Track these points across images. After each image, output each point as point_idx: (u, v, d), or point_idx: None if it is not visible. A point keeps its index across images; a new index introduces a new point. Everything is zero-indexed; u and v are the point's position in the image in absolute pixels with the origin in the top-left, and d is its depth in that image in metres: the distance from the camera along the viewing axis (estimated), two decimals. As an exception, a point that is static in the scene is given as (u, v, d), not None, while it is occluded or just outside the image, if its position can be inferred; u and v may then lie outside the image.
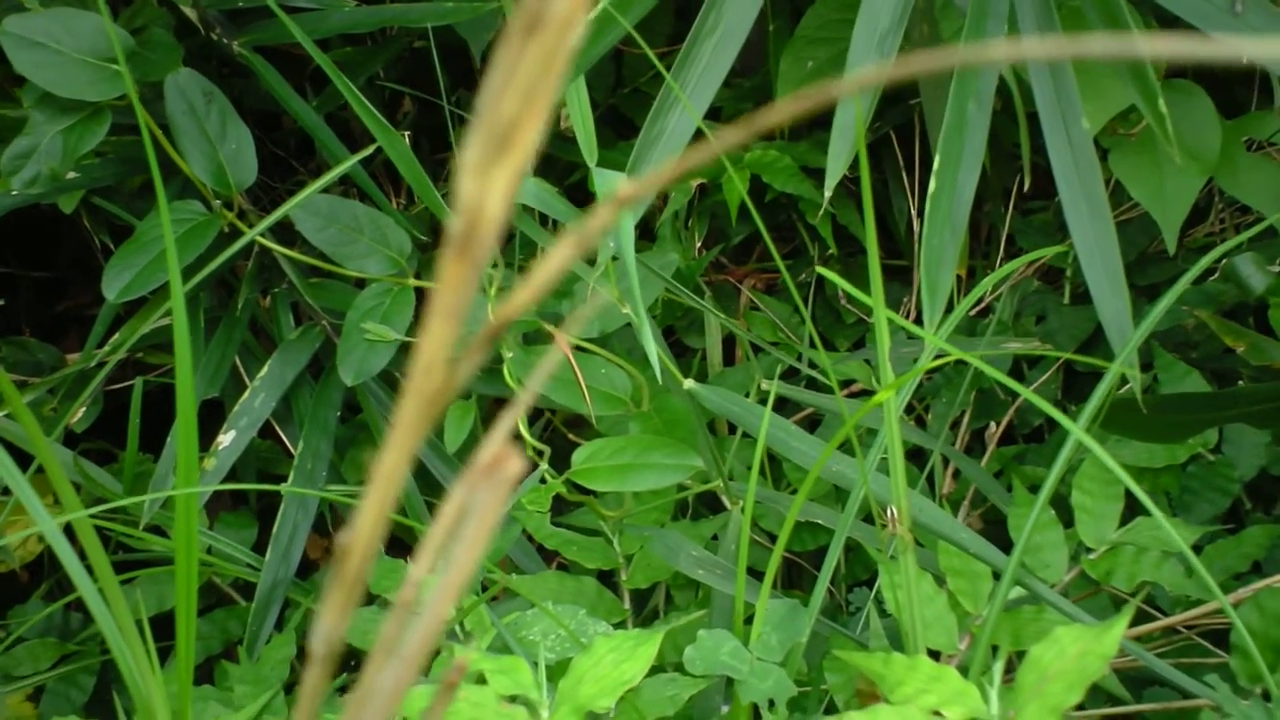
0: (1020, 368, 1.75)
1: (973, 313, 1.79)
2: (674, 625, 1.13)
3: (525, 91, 0.22)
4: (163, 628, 1.21)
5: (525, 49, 0.22)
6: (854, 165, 1.65)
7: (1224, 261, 1.64)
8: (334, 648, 0.28)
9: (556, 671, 0.95)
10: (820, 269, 1.02)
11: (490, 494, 0.25)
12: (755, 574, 1.39)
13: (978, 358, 0.94)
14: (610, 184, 1.03)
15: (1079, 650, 0.85)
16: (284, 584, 1.46)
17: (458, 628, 1.17)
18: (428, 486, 1.54)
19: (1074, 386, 1.74)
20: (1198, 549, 1.41)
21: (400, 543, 1.63)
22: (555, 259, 0.25)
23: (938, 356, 1.05)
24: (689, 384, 1.22)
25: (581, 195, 1.66)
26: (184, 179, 1.42)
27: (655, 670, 1.08)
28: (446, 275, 0.24)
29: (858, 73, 1.13)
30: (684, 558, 1.22)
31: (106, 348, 1.50)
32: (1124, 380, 1.18)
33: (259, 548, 1.51)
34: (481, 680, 0.93)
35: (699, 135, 1.15)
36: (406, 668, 0.27)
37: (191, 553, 0.87)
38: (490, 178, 0.23)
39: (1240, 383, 1.58)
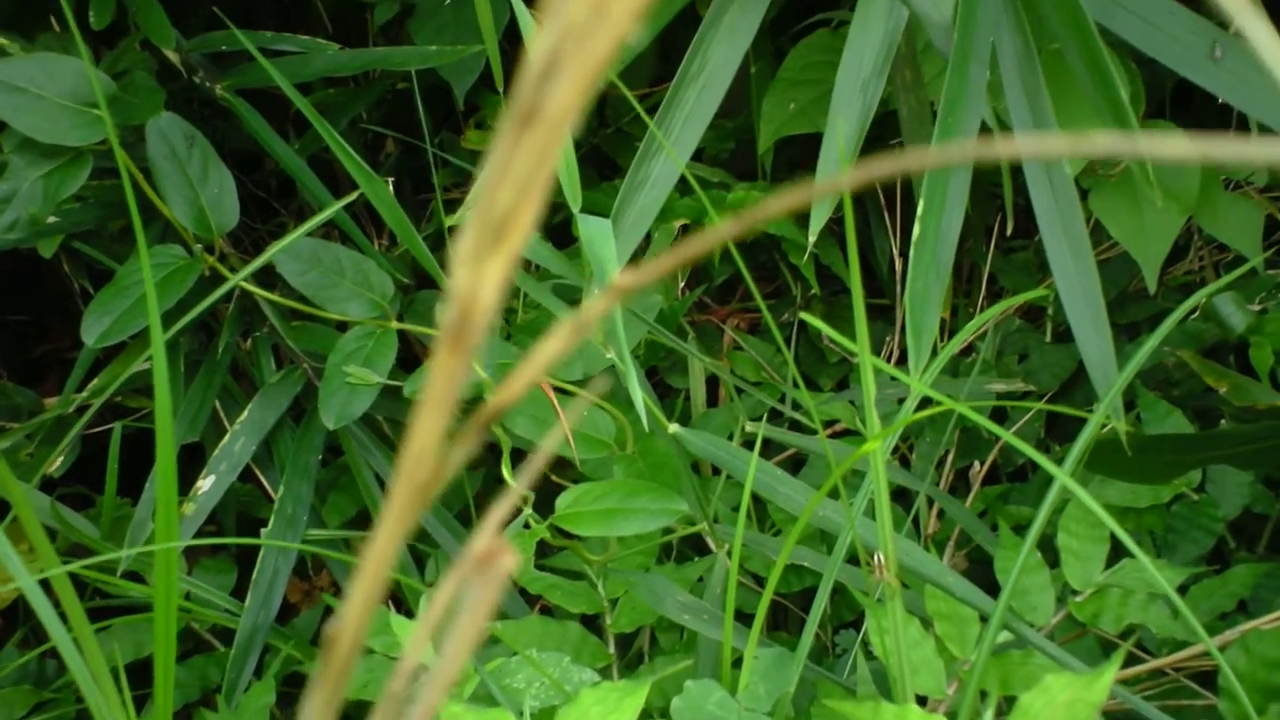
0: (1003, 406, 1.75)
1: (955, 352, 1.79)
2: (660, 676, 1.12)
3: (520, 183, 0.22)
4: (140, 675, 1.20)
5: (520, 141, 0.22)
6: (837, 206, 1.65)
7: (1204, 301, 1.64)
8: (323, 737, 0.28)
9: (542, 721, 0.95)
10: (803, 314, 1.02)
11: (483, 588, 0.24)
12: (741, 616, 1.39)
13: (963, 406, 0.94)
14: (595, 230, 1.02)
15: (1069, 699, 0.85)
16: (263, 629, 1.45)
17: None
18: (412, 532, 1.52)
19: (1057, 425, 1.74)
20: (1184, 589, 1.41)
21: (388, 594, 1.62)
22: (551, 346, 0.24)
23: (923, 403, 1.05)
24: (674, 428, 1.21)
25: (564, 236, 1.65)
26: (165, 223, 1.41)
27: (642, 719, 1.08)
28: (439, 366, 0.24)
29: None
30: (670, 602, 1.21)
31: (85, 392, 1.49)
32: (1108, 418, 1.18)
33: (238, 593, 1.50)
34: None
35: (684, 180, 1.15)
36: (398, 762, 0.26)
37: (171, 604, 0.86)
38: (484, 268, 0.23)
39: (1222, 421, 1.58)
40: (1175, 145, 0.22)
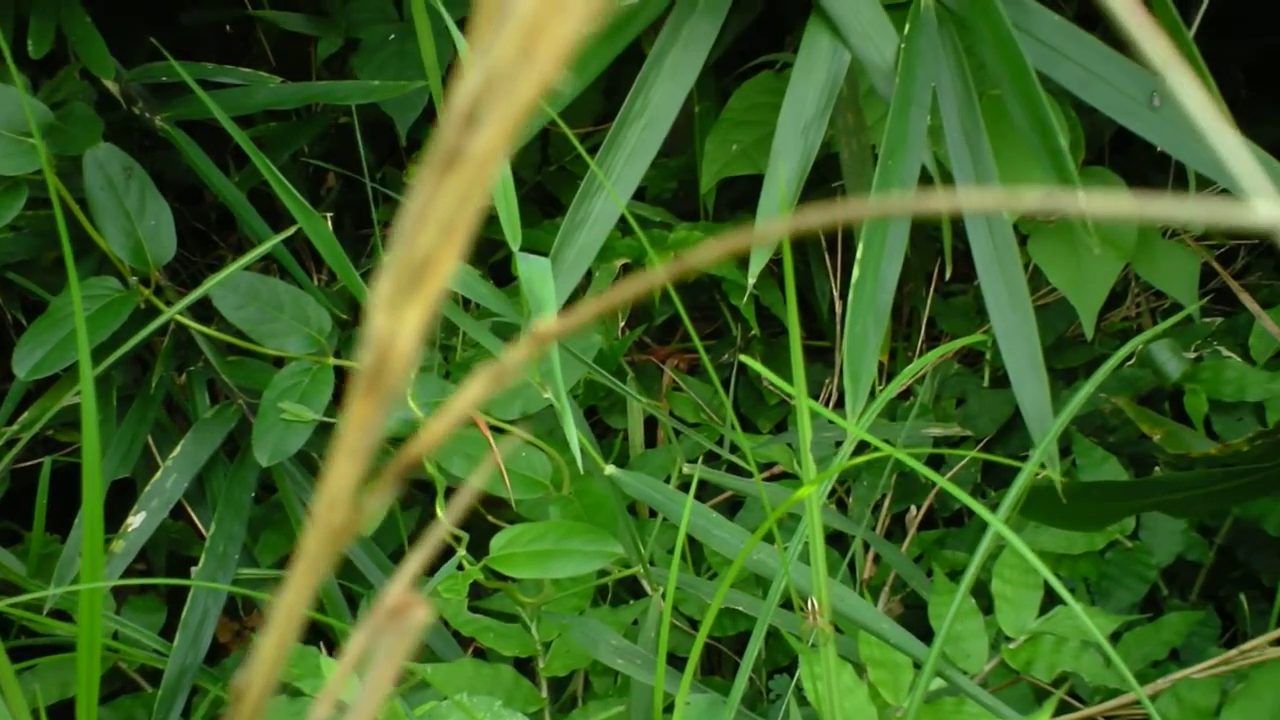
0: (941, 451, 1.75)
1: (894, 395, 1.79)
2: (592, 719, 1.12)
3: (441, 227, 0.22)
4: (66, 715, 1.18)
5: (442, 184, 0.21)
6: (778, 247, 1.65)
7: (1140, 347, 1.65)
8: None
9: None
10: (742, 356, 1.02)
11: (394, 641, 0.24)
12: (676, 661, 1.38)
13: (900, 452, 0.94)
14: (534, 269, 1.02)
15: (1000, 748, 0.85)
16: (192, 670, 1.43)
17: None
18: (342, 569, 1.51)
19: (993, 470, 1.74)
20: (1117, 636, 1.42)
21: (313, 627, 1.60)
22: (472, 392, 0.24)
23: (860, 447, 1.05)
24: (610, 470, 1.21)
25: (504, 274, 1.65)
26: (101, 254, 1.40)
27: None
28: (355, 411, 0.23)
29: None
30: (603, 646, 1.21)
31: (15, 426, 1.47)
32: (1043, 465, 1.19)
33: (167, 632, 1.48)
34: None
35: (625, 219, 1.15)
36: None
37: (95, 643, 0.85)
38: (403, 313, 0.22)
39: (1156, 468, 1.59)
40: (1112, 203, 0.21)
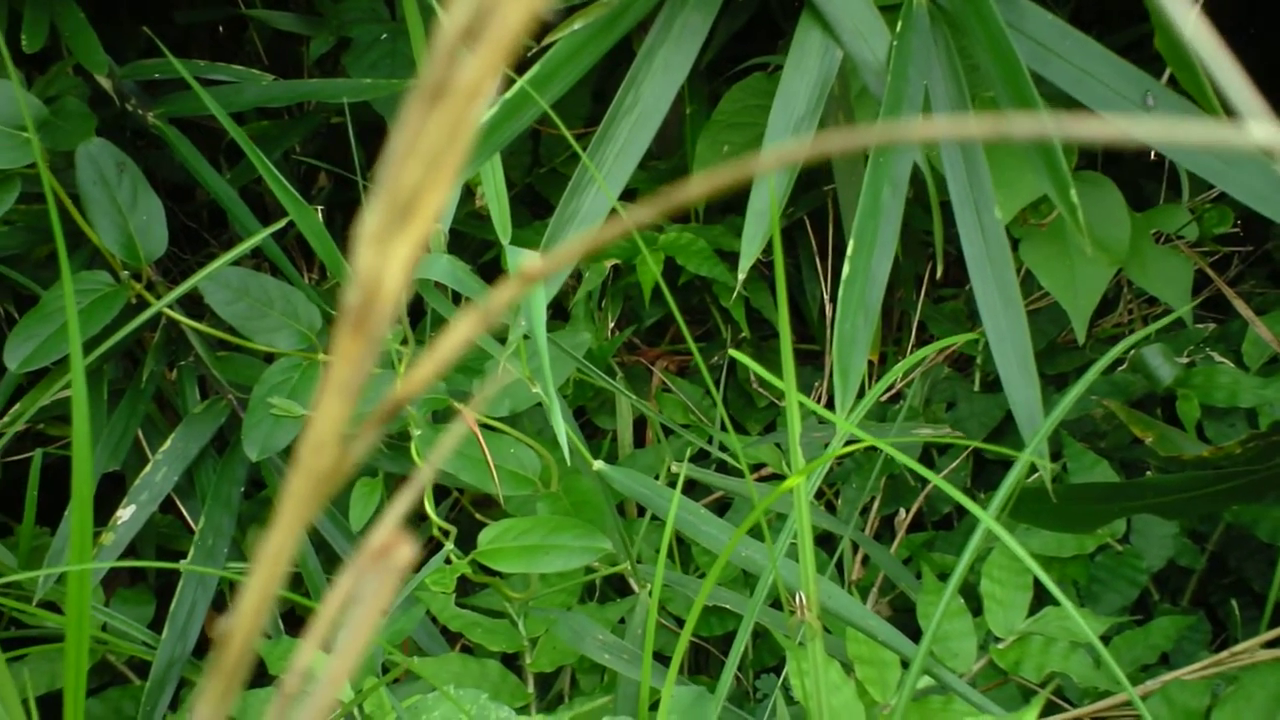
0: (930, 454, 1.75)
1: (884, 398, 1.79)
2: (577, 712, 1.11)
3: (429, 161, 0.22)
4: (55, 706, 1.17)
5: (429, 117, 0.21)
6: (768, 249, 1.65)
7: (1132, 352, 1.65)
8: (216, 738, 0.27)
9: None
10: (733, 352, 1.02)
11: (379, 581, 0.23)
12: (663, 659, 1.38)
13: (888, 444, 0.94)
14: (523, 262, 1.02)
15: (987, 742, 0.85)
16: (180, 663, 1.42)
17: (357, 711, 1.15)
18: (331, 564, 1.51)
19: (984, 473, 1.74)
20: (1106, 639, 1.42)
21: (302, 622, 1.60)
22: (459, 334, 0.24)
23: (849, 442, 1.05)
24: (598, 465, 1.21)
25: (495, 273, 1.65)
26: (93, 249, 1.40)
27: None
28: (342, 349, 0.23)
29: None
30: (590, 642, 1.21)
31: (6, 418, 1.47)
32: (1033, 469, 1.19)
33: (156, 625, 1.48)
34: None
35: (614, 215, 1.15)
36: (290, 761, 0.25)
37: (82, 632, 0.85)
38: (390, 249, 0.22)
39: (1148, 473, 1.59)
40: (1088, 126, 0.21)
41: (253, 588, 0.26)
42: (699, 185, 0.23)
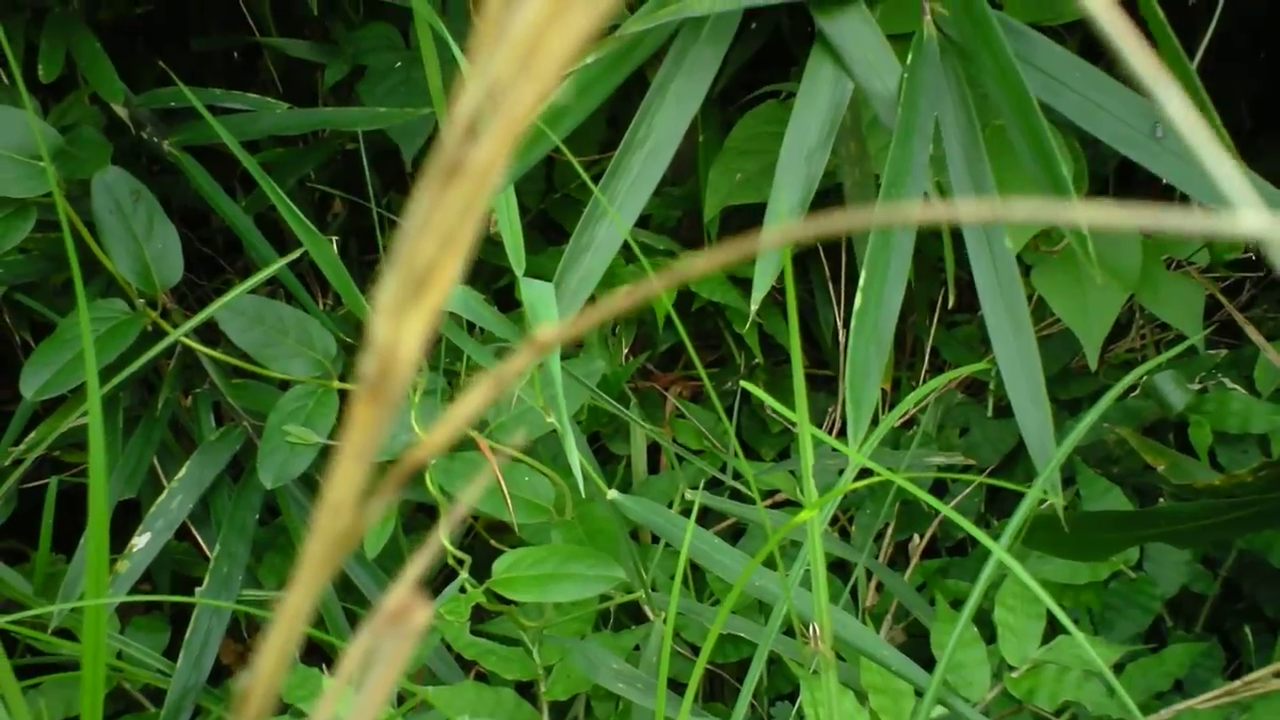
0: (943, 480, 1.75)
1: (897, 424, 1.79)
2: (592, 743, 1.12)
3: (443, 236, 0.22)
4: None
5: (444, 194, 0.22)
6: (781, 276, 1.66)
7: (1144, 378, 1.66)
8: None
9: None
10: (744, 383, 1.02)
11: (396, 642, 0.24)
12: (677, 686, 1.38)
13: (901, 477, 0.94)
14: (537, 294, 1.02)
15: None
16: (195, 691, 1.43)
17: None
18: (347, 593, 1.52)
19: (997, 500, 1.74)
20: (1120, 667, 1.41)
21: (318, 650, 1.61)
22: (472, 401, 0.24)
23: (862, 474, 1.05)
24: (612, 494, 1.21)
25: (509, 300, 1.65)
26: (109, 277, 1.40)
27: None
28: (358, 417, 0.24)
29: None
30: (604, 671, 1.21)
31: (23, 446, 1.47)
32: (1047, 494, 1.19)
33: (171, 653, 1.48)
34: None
35: (628, 246, 1.15)
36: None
37: (99, 661, 0.85)
38: (405, 321, 0.23)
39: (1161, 499, 1.59)
40: (1103, 214, 0.22)
41: (273, 645, 0.26)
42: (707, 260, 0.23)
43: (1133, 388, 1.69)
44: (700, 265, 0.23)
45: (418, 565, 0.25)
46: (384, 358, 0.23)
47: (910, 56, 1.13)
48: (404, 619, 0.24)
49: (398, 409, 0.24)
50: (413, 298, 0.23)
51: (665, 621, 1.03)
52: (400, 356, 0.23)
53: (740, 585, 0.91)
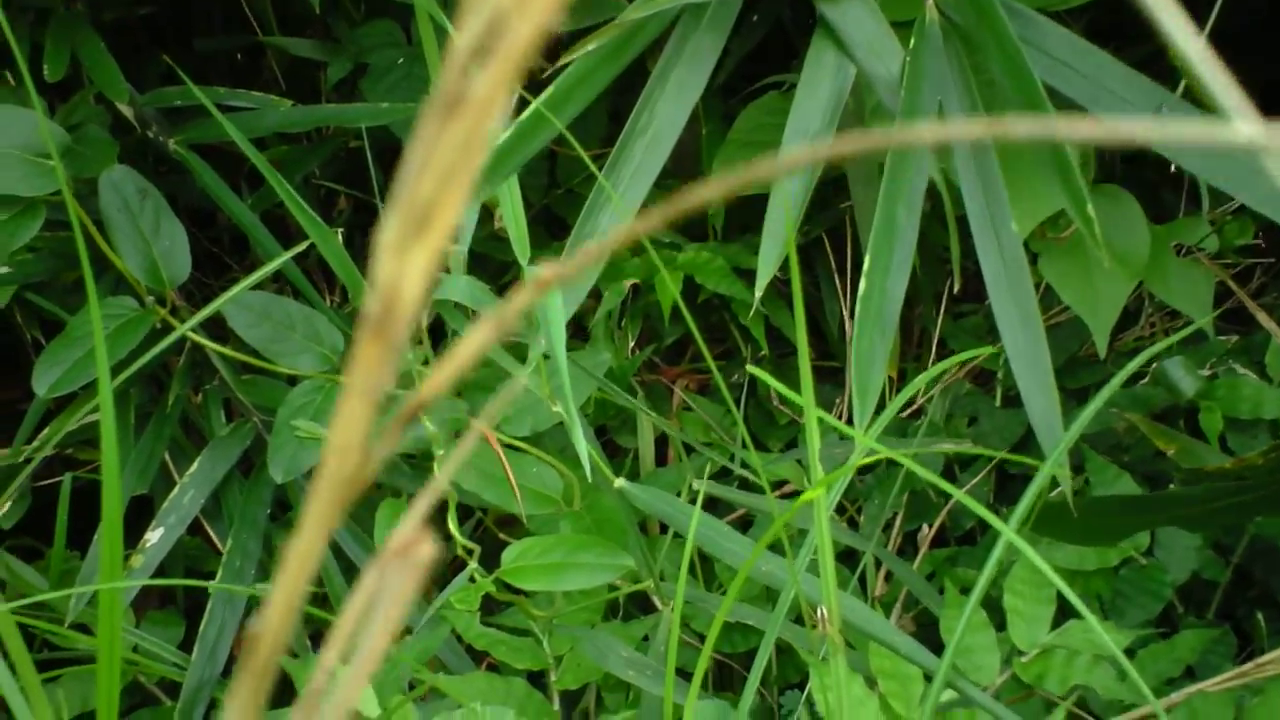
0: (952, 470, 1.76)
1: (905, 415, 1.79)
2: (602, 727, 1.12)
3: (444, 173, 0.22)
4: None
5: (443, 131, 0.22)
6: (786, 267, 1.66)
7: (1154, 365, 1.66)
8: (245, 738, 0.28)
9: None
10: (751, 368, 1.03)
11: (401, 579, 0.24)
12: (687, 675, 1.38)
13: (908, 457, 0.94)
14: (537, 271, 1.03)
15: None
16: (210, 684, 1.43)
17: (384, 729, 1.15)
18: (354, 579, 1.52)
19: (1006, 488, 1.74)
20: (1131, 654, 1.41)
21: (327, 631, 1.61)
22: (473, 341, 0.25)
23: (869, 457, 1.05)
24: (620, 483, 1.21)
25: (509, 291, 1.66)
26: (118, 274, 1.41)
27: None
28: (362, 355, 0.24)
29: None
30: (614, 659, 1.21)
31: (35, 443, 1.48)
32: (1056, 483, 1.19)
33: (186, 646, 1.49)
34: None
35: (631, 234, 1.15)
36: (317, 757, 0.26)
37: (114, 651, 0.86)
38: (408, 258, 0.23)
39: (1171, 486, 1.59)
40: (1080, 127, 0.22)
41: (281, 587, 0.26)
42: (715, 187, 0.24)
43: (1143, 375, 1.69)
44: (712, 191, 0.23)
45: (422, 505, 0.25)
46: (387, 295, 0.23)
47: (913, 40, 1.13)
48: (410, 553, 0.24)
49: (401, 347, 0.24)
50: (415, 236, 0.23)
51: (673, 609, 1.04)
52: (403, 294, 0.23)
53: (746, 569, 0.91)
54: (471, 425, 1.33)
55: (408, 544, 0.24)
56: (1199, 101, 1.15)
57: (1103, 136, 0.21)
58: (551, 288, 0.23)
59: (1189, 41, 0.21)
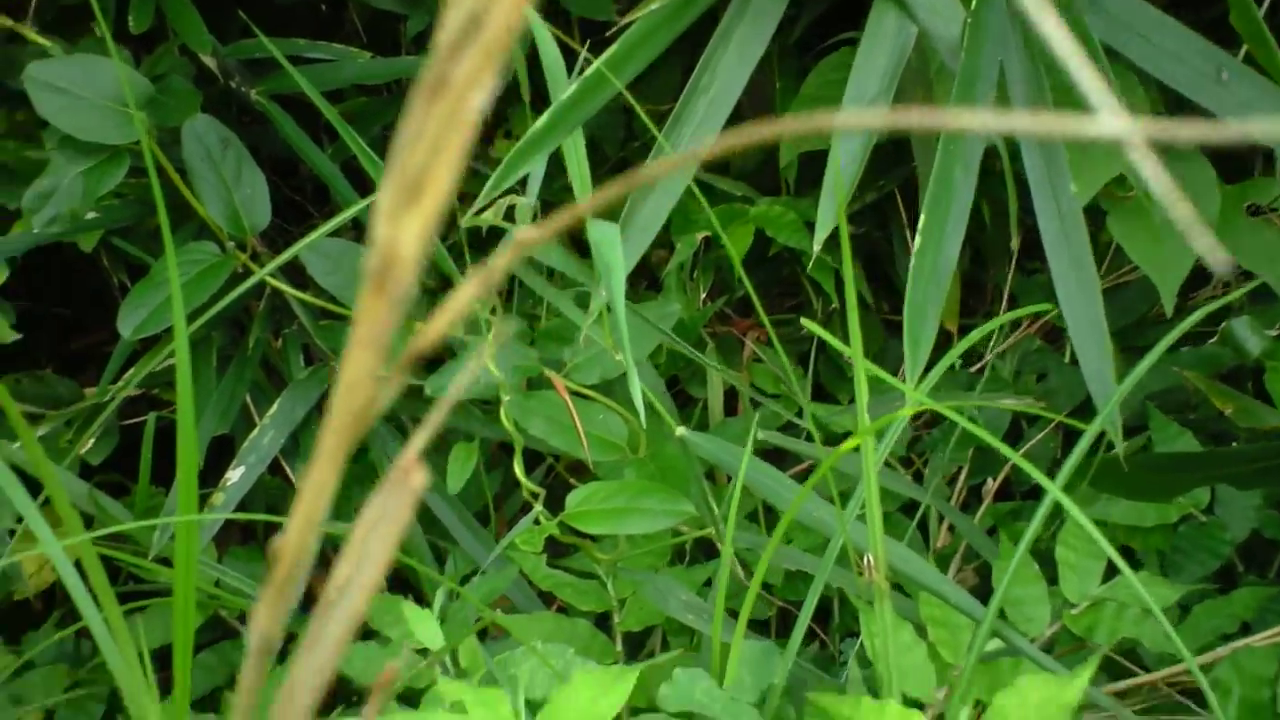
0: (1019, 425, 1.77)
1: (973, 370, 1.81)
2: (652, 663, 1.15)
3: (432, 145, 0.26)
4: (170, 659, 1.23)
5: (431, 108, 0.25)
6: (858, 220, 1.68)
7: (1223, 325, 1.66)
8: (268, 644, 0.31)
9: (538, 706, 0.98)
10: (806, 321, 1.05)
11: (399, 502, 0.28)
12: (750, 622, 1.41)
13: (959, 411, 0.97)
14: (603, 234, 1.06)
15: (1040, 699, 0.88)
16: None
17: (449, 662, 1.20)
18: (430, 526, 1.56)
19: (1072, 443, 1.75)
20: (1186, 608, 1.43)
21: (405, 583, 1.65)
22: (462, 294, 0.28)
23: (918, 408, 1.08)
24: (681, 430, 1.24)
25: (582, 245, 1.69)
26: (200, 221, 1.45)
27: (638, 711, 1.11)
28: (365, 309, 0.27)
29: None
30: (674, 602, 1.25)
31: (121, 383, 1.53)
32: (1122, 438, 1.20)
33: (265, 583, 1.53)
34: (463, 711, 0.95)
35: (709, 192, 1.18)
36: (327, 657, 0.30)
37: (190, 582, 0.90)
38: (403, 222, 0.26)
39: (1234, 444, 1.59)
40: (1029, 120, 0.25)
41: (300, 510, 0.30)
42: (777, 126, 0.27)
43: (1210, 334, 1.69)
44: (776, 129, 0.26)
45: (422, 434, 0.29)
46: (385, 255, 0.26)
47: (974, 1, 1.15)
48: (406, 480, 0.27)
49: (402, 301, 0.27)
50: (409, 200, 0.26)
51: (739, 559, 1.07)
52: (400, 254, 0.26)
53: (792, 512, 0.94)
54: (544, 374, 1.37)
55: (405, 470, 0.28)
56: (1259, 65, 1.16)
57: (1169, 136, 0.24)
58: (528, 249, 0.26)
59: (1063, 42, 0.23)
